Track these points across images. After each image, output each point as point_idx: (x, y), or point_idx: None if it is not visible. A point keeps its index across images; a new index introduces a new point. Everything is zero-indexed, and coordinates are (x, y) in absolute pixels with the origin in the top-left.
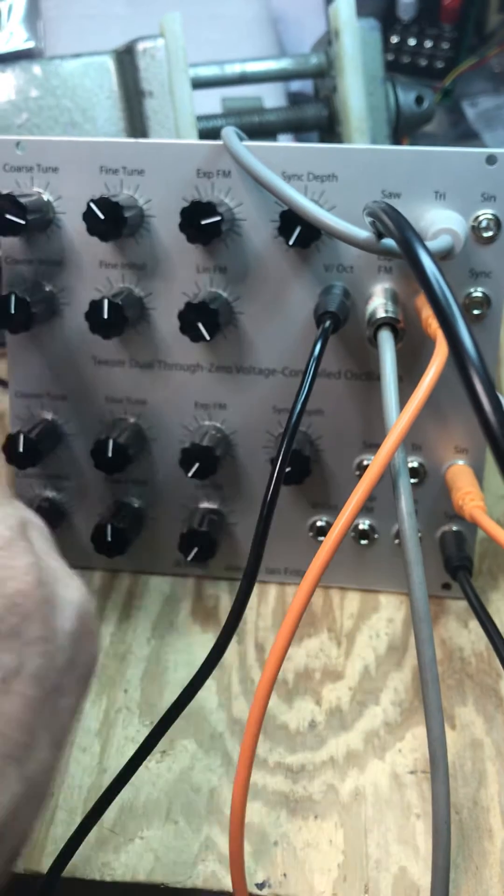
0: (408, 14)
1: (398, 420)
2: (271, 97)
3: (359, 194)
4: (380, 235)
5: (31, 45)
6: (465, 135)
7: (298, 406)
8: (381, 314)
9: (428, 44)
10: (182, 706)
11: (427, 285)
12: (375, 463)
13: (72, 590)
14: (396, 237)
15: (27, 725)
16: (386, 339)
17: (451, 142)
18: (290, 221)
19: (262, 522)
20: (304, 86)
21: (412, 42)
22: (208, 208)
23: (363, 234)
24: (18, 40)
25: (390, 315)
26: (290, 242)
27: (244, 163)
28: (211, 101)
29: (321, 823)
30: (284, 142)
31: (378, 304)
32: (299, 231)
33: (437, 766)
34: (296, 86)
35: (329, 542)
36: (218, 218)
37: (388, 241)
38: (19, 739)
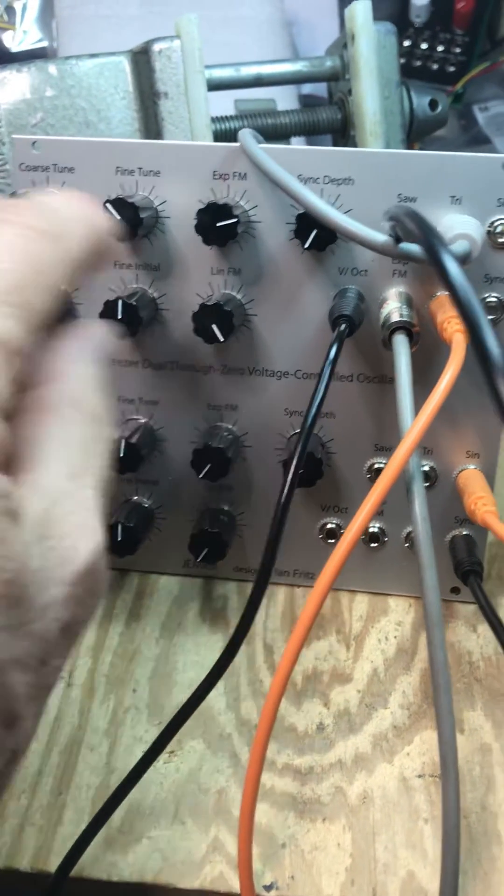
0: (420, 18)
1: (413, 425)
2: (283, 99)
3: (375, 198)
4: (398, 239)
5: (44, 44)
6: (476, 139)
7: (314, 409)
8: (396, 318)
9: (440, 48)
10: (192, 709)
11: (453, 290)
12: (390, 467)
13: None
14: (421, 242)
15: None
16: (401, 343)
17: (462, 146)
18: (307, 224)
19: (276, 525)
20: (315, 88)
21: (424, 46)
22: (225, 210)
23: (381, 237)
24: (31, 40)
25: (406, 319)
26: (307, 245)
27: (262, 165)
28: (223, 103)
29: (329, 826)
30: (297, 145)
31: (393, 307)
32: (315, 234)
33: (448, 770)
34: (307, 88)
35: (342, 547)
36: (234, 220)
37: (407, 246)
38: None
